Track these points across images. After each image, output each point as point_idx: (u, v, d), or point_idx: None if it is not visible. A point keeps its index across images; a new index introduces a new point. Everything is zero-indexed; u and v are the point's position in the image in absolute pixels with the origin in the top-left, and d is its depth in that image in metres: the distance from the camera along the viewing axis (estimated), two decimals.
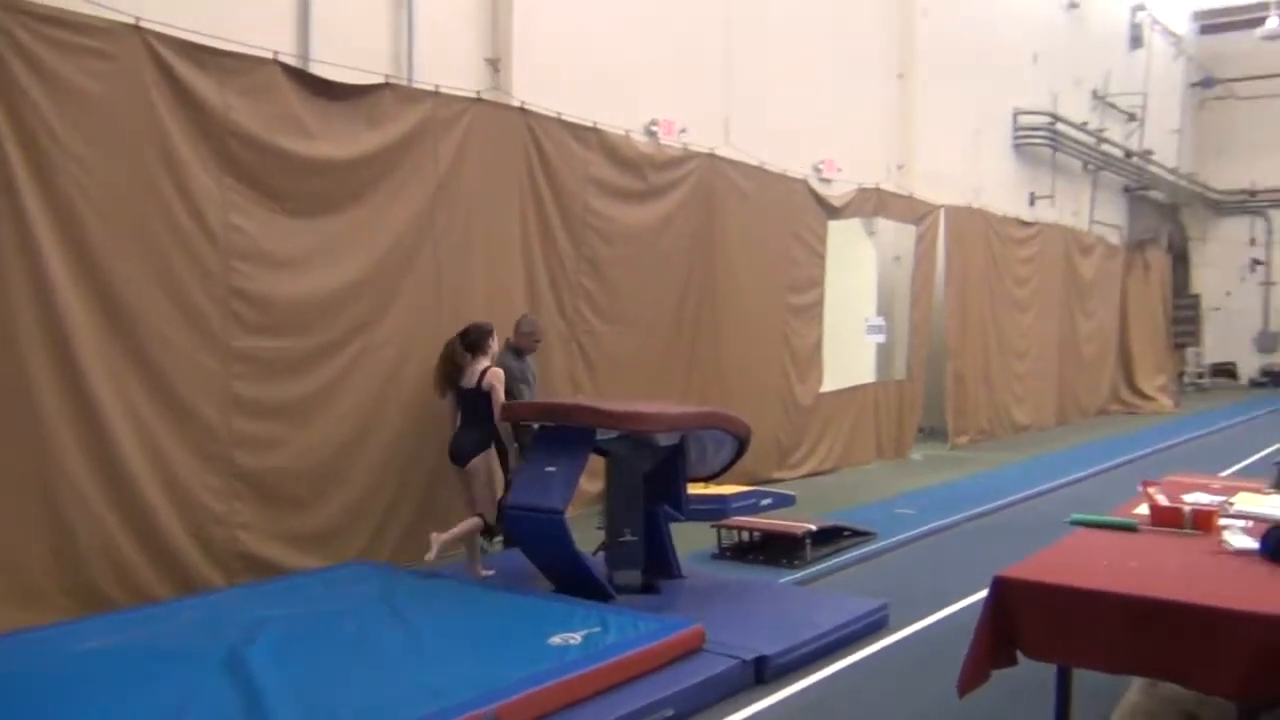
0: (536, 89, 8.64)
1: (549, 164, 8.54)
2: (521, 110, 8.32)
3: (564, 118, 8.64)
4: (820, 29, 12.73)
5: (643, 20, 10.19)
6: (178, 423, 6.07)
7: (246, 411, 6.40)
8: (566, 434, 6.19)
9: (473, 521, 6.57)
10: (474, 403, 6.63)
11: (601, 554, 6.25)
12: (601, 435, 6.28)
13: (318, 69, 7.05)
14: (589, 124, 8.88)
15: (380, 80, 7.24)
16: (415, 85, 7.64)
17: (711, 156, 10.31)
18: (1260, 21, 23.98)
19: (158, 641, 4.95)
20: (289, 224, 6.62)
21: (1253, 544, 4.18)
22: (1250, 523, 4.58)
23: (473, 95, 7.91)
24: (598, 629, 5.03)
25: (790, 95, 12.08)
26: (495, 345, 6.94)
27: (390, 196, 7.24)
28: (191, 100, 6.10)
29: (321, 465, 6.77)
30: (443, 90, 7.58)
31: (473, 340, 6.72)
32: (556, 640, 4.86)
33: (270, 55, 6.48)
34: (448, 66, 8.15)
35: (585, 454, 6.24)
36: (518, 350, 7.56)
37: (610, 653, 4.73)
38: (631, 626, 5.10)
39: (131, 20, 5.83)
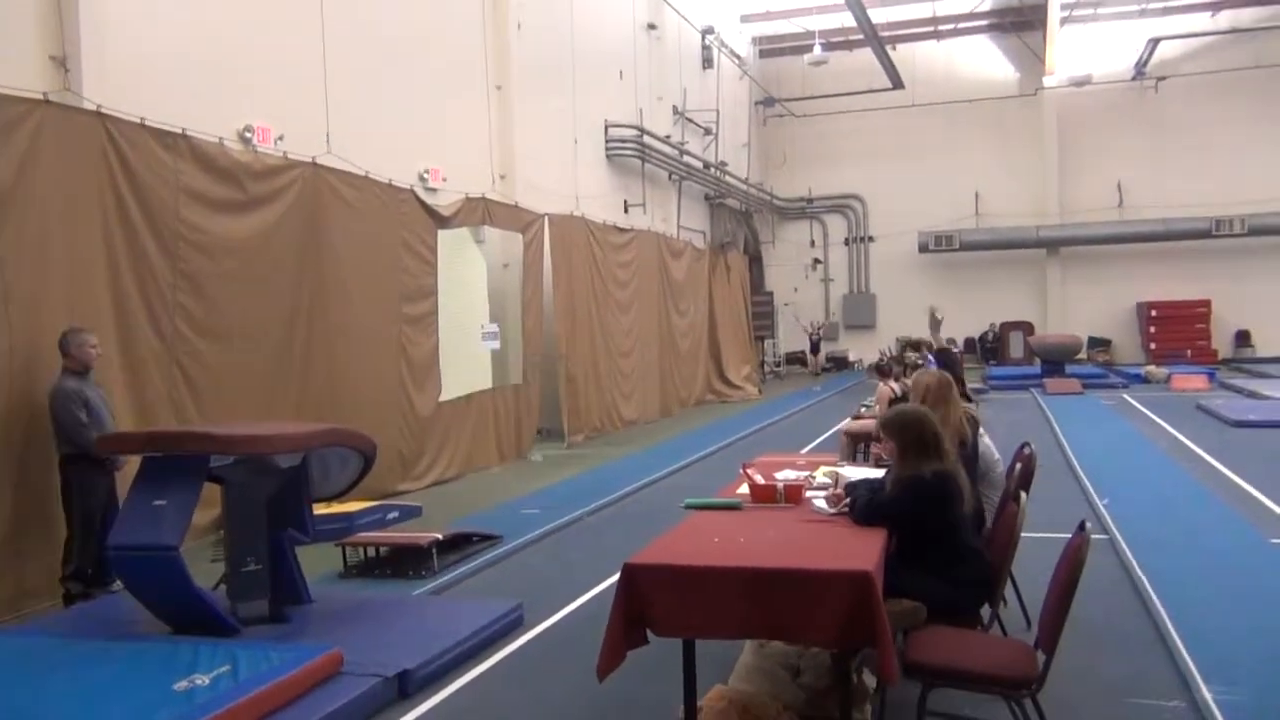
0: (113, 91, 7.92)
1: (133, 174, 7.89)
2: (98, 114, 7.61)
3: (148, 123, 8.01)
4: (417, 37, 12.68)
5: (230, 21, 9.61)
6: None
7: None
8: (176, 463, 5.72)
9: None
10: None
11: (223, 587, 5.88)
12: (216, 462, 5.90)
13: None
14: (177, 130, 8.29)
15: None
16: None
17: (314, 165, 9.99)
18: (809, 49, 27.13)
19: None
20: None
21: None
22: (830, 491, 5.24)
23: (38, 96, 7.12)
24: (226, 667, 4.72)
25: (392, 103, 11.96)
26: None
27: None
28: None
29: None
30: (0, 90, 6.76)
31: None
32: (182, 685, 4.49)
33: None
34: (4, 63, 7.27)
35: (198, 484, 5.82)
36: (78, 372, 6.69)
37: (243, 690, 4.47)
38: (263, 659, 4.85)
39: None
